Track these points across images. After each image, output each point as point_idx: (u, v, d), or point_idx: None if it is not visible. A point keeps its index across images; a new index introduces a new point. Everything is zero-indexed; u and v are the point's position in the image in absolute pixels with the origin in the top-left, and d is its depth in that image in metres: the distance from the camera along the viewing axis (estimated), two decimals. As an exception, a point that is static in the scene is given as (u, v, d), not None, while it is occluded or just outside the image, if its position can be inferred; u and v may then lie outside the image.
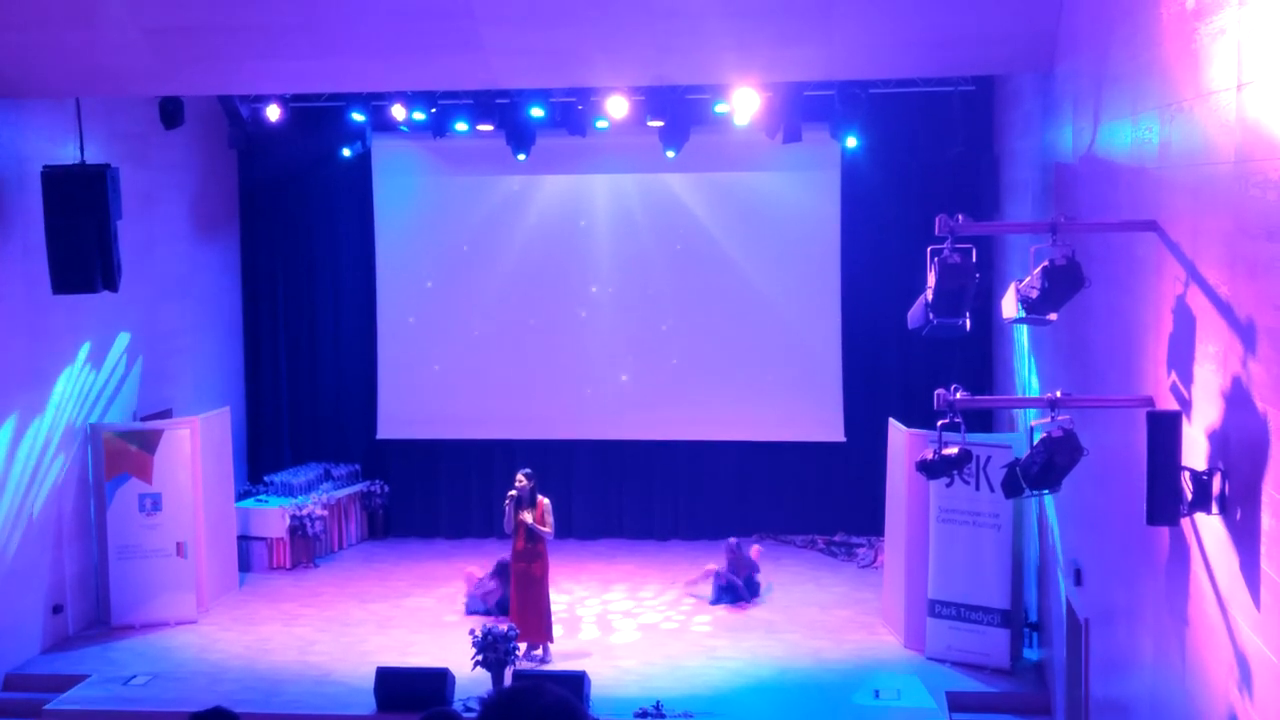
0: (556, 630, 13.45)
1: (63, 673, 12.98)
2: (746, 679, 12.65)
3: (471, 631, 12.48)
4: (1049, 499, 11.23)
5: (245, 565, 15.97)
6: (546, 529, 13.15)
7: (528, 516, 13.03)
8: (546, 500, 13.25)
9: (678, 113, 14.96)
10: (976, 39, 11.38)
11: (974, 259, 7.90)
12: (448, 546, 17.31)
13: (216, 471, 15.07)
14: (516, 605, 13.13)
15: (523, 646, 12.87)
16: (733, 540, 15.32)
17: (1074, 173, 10.02)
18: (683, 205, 17.05)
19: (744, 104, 14.36)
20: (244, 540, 16.01)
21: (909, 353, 16.13)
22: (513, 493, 13.13)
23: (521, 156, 15.93)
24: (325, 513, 16.72)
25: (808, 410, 16.99)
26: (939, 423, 8.36)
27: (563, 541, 13.66)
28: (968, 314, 8.06)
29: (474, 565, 15.15)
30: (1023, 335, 13.39)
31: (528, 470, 13.36)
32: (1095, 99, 9.16)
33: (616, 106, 14.71)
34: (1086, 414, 9.26)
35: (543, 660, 13.07)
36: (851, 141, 15.49)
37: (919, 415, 13.20)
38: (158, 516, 14.19)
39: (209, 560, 14.80)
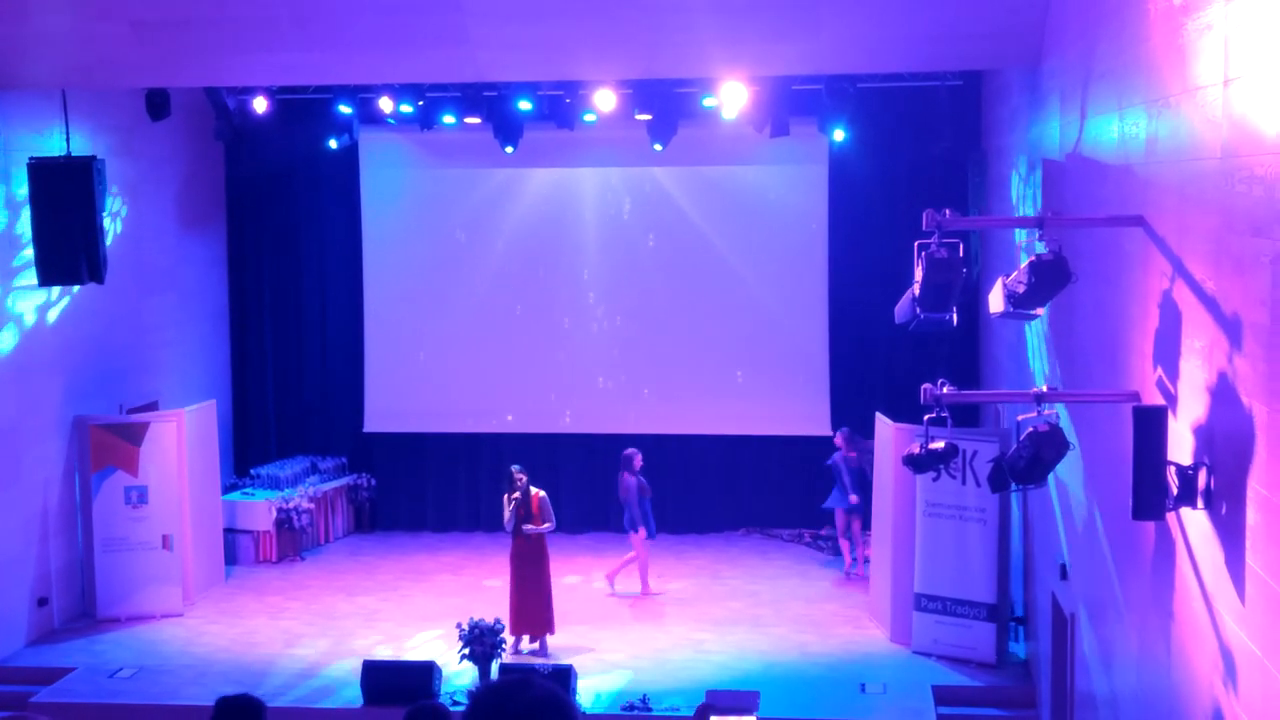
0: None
1: (48, 666, 12.96)
2: (733, 673, 12.66)
3: (458, 624, 12.50)
4: (1036, 493, 11.27)
5: (231, 558, 15.94)
6: (549, 525, 13.18)
7: (543, 525, 13.12)
8: (542, 493, 13.27)
9: (665, 106, 14.95)
10: (963, 34, 11.40)
11: (961, 254, 7.91)
12: (434, 540, 17.30)
13: (203, 464, 15.05)
14: (516, 599, 13.13)
15: (523, 640, 12.96)
16: (845, 430, 15.44)
17: (1061, 168, 10.04)
18: (670, 199, 17.05)
19: (732, 98, 14.35)
20: (230, 533, 15.98)
21: (896, 347, 16.14)
22: (516, 495, 13.12)
23: (509, 149, 15.89)
24: (312, 506, 16.70)
25: (794, 404, 17.00)
26: (926, 417, 8.37)
27: (551, 535, 13.63)
28: (955, 309, 8.07)
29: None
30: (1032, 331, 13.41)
31: (518, 466, 13.38)
32: (1082, 94, 9.17)
33: (604, 100, 14.69)
34: (1073, 408, 9.29)
35: (539, 653, 13.06)
36: (839, 135, 15.47)
37: (906, 410, 13.23)
38: (144, 509, 14.17)
39: (195, 553, 14.77)
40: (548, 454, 17.01)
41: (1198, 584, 6.24)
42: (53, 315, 13.83)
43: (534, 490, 13.22)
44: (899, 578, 13.25)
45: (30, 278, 12.82)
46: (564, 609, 13.56)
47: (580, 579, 15.47)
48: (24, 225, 12.91)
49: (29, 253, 12.70)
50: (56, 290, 13.66)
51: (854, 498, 15.18)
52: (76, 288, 13.77)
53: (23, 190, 12.73)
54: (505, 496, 13.28)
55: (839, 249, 16.78)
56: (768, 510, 17.23)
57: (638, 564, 14.96)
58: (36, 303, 13.55)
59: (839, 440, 15.47)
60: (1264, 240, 5.25)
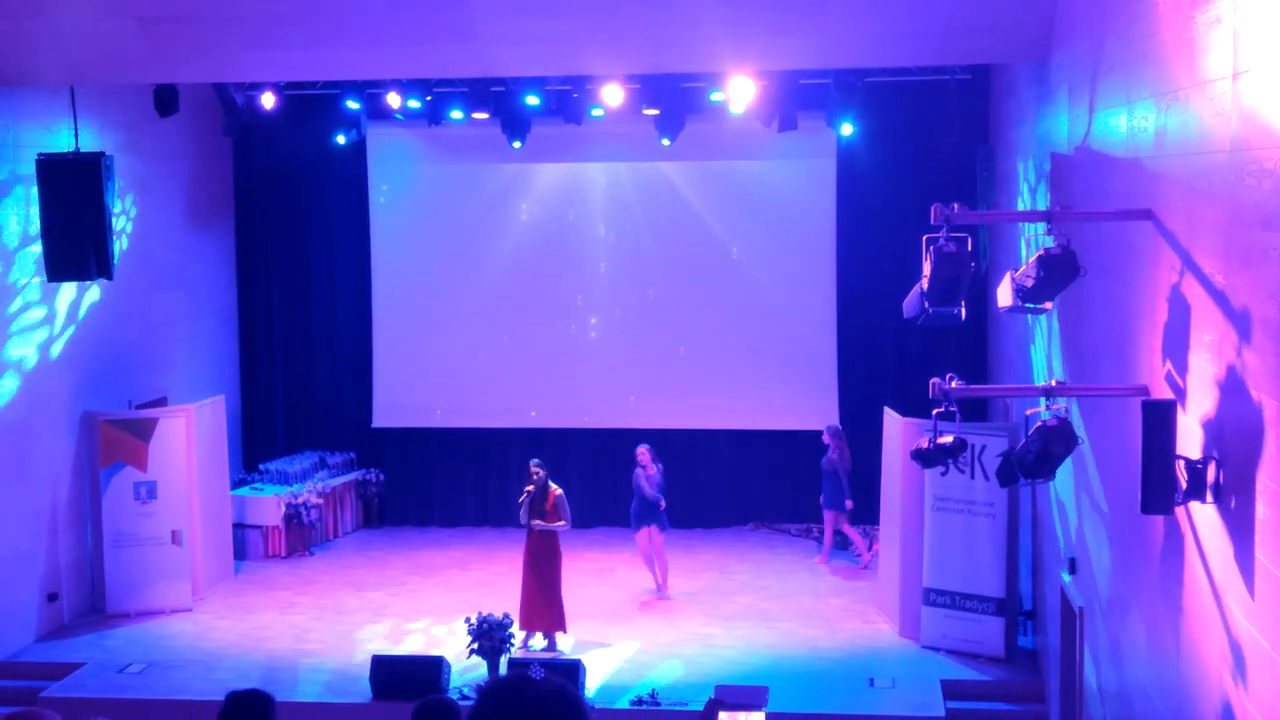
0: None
1: (58, 661, 12.99)
2: (741, 667, 12.67)
3: (467, 619, 12.51)
4: (1044, 488, 11.26)
5: (240, 553, 15.97)
6: (562, 523, 13.17)
7: (556, 523, 13.11)
8: (559, 490, 13.25)
9: (673, 101, 14.94)
10: (972, 28, 11.37)
11: (970, 248, 7.91)
12: (442, 535, 17.32)
13: (211, 459, 15.07)
14: (530, 595, 13.13)
15: (536, 636, 12.96)
16: (835, 426, 15.68)
17: (1070, 162, 10.03)
18: (678, 193, 17.04)
19: (739, 92, 14.34)
20: (239, 528, 16.01)
21: (904, 341, 16.15)
22: (530, 488, 13.12)
23: (517, 144, 15.90)
24: (320, 501, 16.72)
25: (803, 398, 16.99)
26: (934, 411, 8.37)
27: (562, 530, 13.65)
28: (963, 303, 8.07)
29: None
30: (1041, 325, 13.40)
31: (538, 460, 13.38)
32: (1091, 88, 9.16)
33: (612, 94, 14.70)
34: (1082, 402, 9.28)
35: (548, 648, 13.05)
36: (847, 129, 15.46)
37: (914, 404, 13.22)
38: (153, 504, 14.19)
39: (204, 548, 14.79)
40: (557, 449, 17.01)
41: (1207, 578, 6.24)
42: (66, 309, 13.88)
43: (552, 486, 13.21)
44: (908, 572, 13.24)
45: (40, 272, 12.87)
46: (573, 604, 13.57)
47: (592, 574, 15.45)
48: (33, 221, 12.94)
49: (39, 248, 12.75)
50: (67, 303, 13.70)
51: (850, 503, 15.28)
52: (87, 298, 13.81)
53: (33, 186, 12.76)
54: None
55: (847, 243, 16.77)
56: (775, 505, 17.23)
57: (644, 559, 14.95)
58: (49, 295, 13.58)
59: (828, 438, 15.53)
60: (1273, 234, 5.24)
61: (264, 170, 17.57)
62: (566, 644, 13.17)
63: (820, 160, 16.67)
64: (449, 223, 17.40)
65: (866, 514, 15.86)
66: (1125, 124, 8.01)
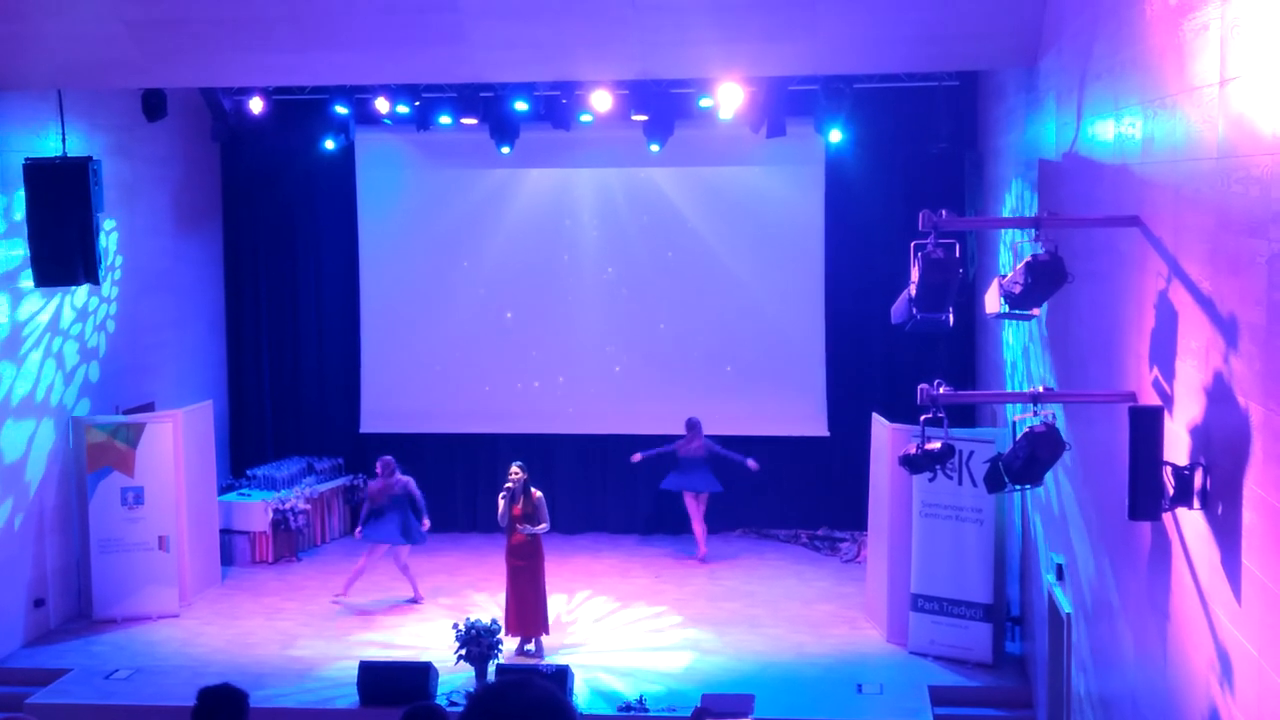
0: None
1: (44, 667, 12.94)
2: (730, 673, 12.67)
3: (455, 625, 12.50)
4: (1032, 494, 11.28)
5: (228, 559, 15.93)
6: (544, 525, 13.16)
7: (538, 526, 13.09)
8: (539, 494, 13.25)
9: (662, 107, 14.94)
10: (960, 34, 11.40)
11: (957, 254, 7.91)
12: (430, 540, 17.10)
13: (199, 465, 15.04)
14: (513, 600, 13.12)
15: (516, 641, 12.94)
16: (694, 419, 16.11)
17: (1057, 168, 10.05)
18: (667, 199, 17.04)
19: (728, 98, 14.35)
20: (226, 534, 15.97)
21: (892, 347, 16.15)
22: (509, 485, 13.14)
23: (505, 150, 15.89)
24: (308, 507, 16.69)
25: (791, 405, 17.00)
26: (922, 418, 8.37)
27: (547, 535, 13.67)
28: (951, 309, 8.07)
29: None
30: (1022, 331, 13.42)
31: (520, 463, 13.37)
32: (1078, 94, 9.18)
33: (601, 100, 14.69)
34: (1069, 409, 9.30)
35: (534, 654, 13.05)
36: (835, 136, 15.44)
37: (902, 410, 13.21)
38: (140, 510, 14.16)
39: (191, 554, 14.76)
40: (543, 455, 16.99)
41: (1194, 584, 6.24)
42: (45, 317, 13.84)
43: (533, 491, 13.20)
44: (895, 578, 13.25)
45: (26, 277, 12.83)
46: (561, 610, 13.56)
47: (580, 579, 15.44)
48: (19, 226, 12.90)
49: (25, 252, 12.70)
50: (54, 307, 13.67)
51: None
52: (74, 303, 13.78)
53: (19, 191, 12.73)
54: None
55: (835, 249, 16.78)
56: (764, 511, 17.22)
57: (405, 572, 14.88)
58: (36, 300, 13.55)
59: (691, 429, 16.08)
60: (1260, 240, 5.25)
61: (252, 175, 17.54)
62: (551, 648, 13.15)
63: (808, 166, 16.68)
64: (437, 228, 17.38)
65: (855, 520, 15.87)
66: (1113, 130, 8.03)
